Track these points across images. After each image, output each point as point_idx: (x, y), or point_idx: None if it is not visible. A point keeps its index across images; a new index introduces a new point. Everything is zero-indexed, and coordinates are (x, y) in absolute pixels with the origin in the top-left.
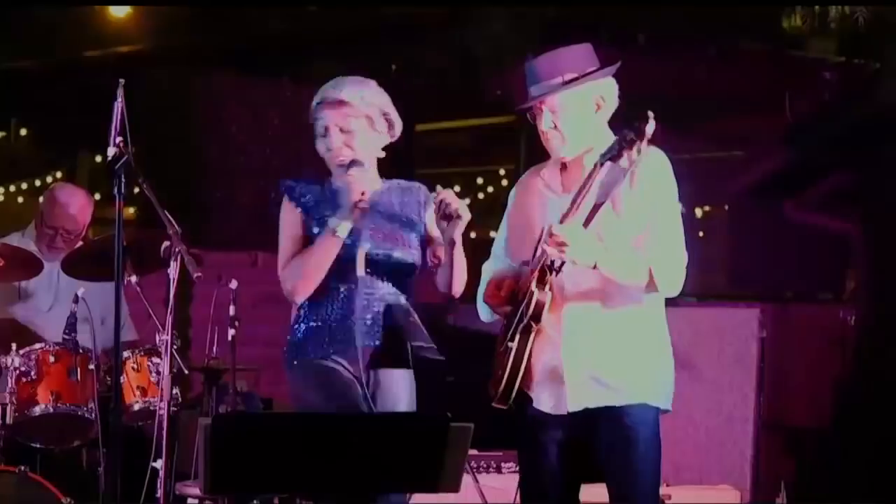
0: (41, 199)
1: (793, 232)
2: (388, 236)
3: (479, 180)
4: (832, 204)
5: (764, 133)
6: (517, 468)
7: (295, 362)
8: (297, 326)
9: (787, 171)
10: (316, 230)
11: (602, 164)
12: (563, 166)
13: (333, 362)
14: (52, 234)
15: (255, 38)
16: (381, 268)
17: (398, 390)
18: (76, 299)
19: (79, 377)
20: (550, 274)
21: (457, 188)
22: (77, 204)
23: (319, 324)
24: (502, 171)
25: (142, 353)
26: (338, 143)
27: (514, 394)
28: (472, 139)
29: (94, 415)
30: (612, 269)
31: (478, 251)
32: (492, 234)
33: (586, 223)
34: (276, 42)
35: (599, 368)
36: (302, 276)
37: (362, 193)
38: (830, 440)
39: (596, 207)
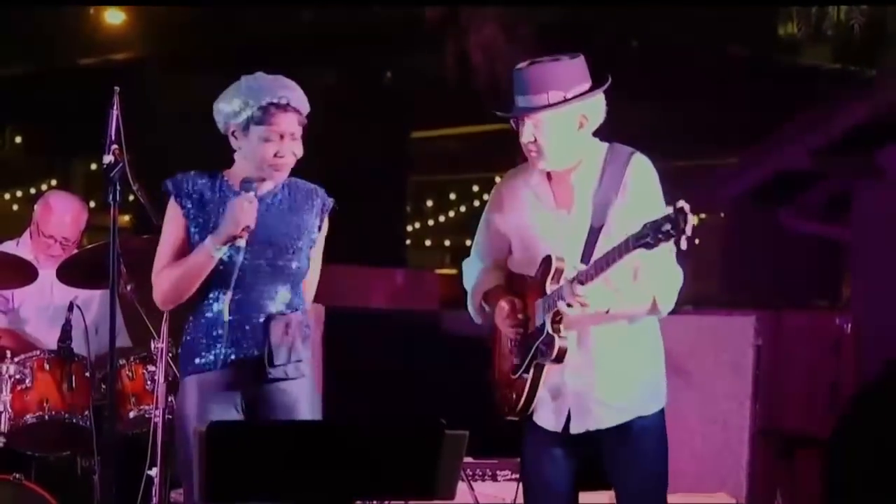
0: (36, 206)
1: (788, 239)
2: (275, 242)
3: (475, 187)
4: (827, 211)
5: (759, 140)
6: (513, 476)
7: (183, 372)
8: (184, 338)
9: (782, 179)
10: (197, 237)
11: (634, 248)
12: (549, 175)
13: (214, 374)
14: (51, 242)
15: (251, 43)
16: (266, 276)
17: (286, 402)
18: (71, 307)
19: (74, 385)
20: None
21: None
22: (73, 211)
23: (201, 335)
24: (498, 179)
25: (137, 361)
26: (288, 151)
27: (527, 414)
28: (468, 146)
29: (88, 423)
30: (623, 310)
31: None
32: None
33: (592, 251)
34: (272, 48)
35: (603, 391)
36: (172, 288)
37: (245, 227)
38: (828, 448)
39: (596, 232)
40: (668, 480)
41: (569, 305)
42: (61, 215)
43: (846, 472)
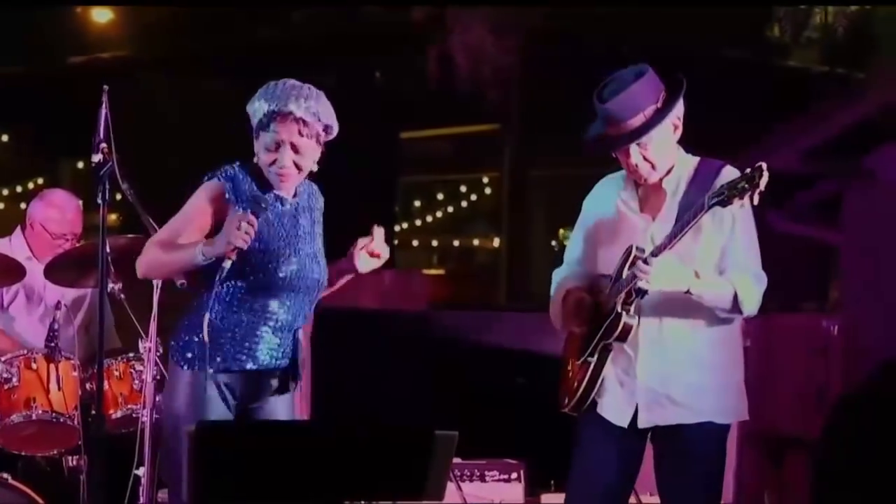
0: (34, 205)
1: (777, 241)
2: (303, 255)
3: (463, 188)
4: (816, 214)
5: (748, 142)
6: (501, 476)
7: (176, 368)
8: (182, 335)
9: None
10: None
11: (709, 208)
12: (635, 183)
13: (210, 377)
14: (62, 241)
15: (242, 45)
16: (292, 288)
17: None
18: (59, 306)
19: (61, 385)
20: (638, 297)
21: (440, 196)
22: (75, 207)
23: (197, 337)
24: (486, 179)
25: (124, 361)
26: (288, 162)
27: (587, 404)
28: (456, 147)
29: (76, 422)
30: (701, 295)
31: (462, 259)
32: (475, 241)
33: (664, 247)
34: (263, 49)
35: (673, 387)
36: (149, 266)
37: (234, 249)
38: (816, 450)
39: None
40: (720, 496)
41: (640, 280)
42: (67, 212)
43: (833, 474)
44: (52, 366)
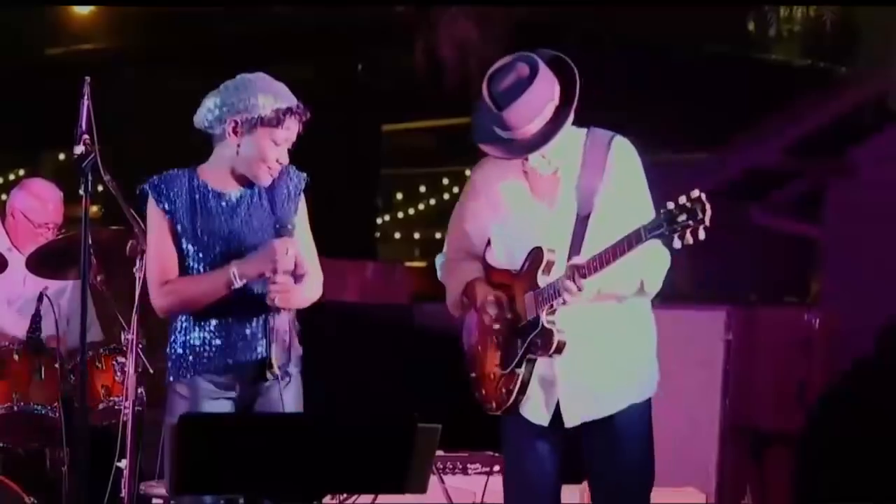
0: (14, 194)
1: (758, 235)
2: (257, 244)
3: (445, 181)
4: (797, 207)
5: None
6: (483, 469)
7: (174, 377)
8: (173, 346)
9: (752, 174)
10: (184, 240)
11: (647, 239)
12: (523, 167)
13: (208, 381)
14: (44, 230)
15: (223, 37)
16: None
17: (276, 402)
18: (41, 297)
19: (43, 376)
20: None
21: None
22: (57, 197)
23: (197, 342)
24: (468, 172)
25: (106, 353)
26: (287, 156)
27: (516, 409)
28: (438, 139)
29: (58, 414)
30: (612, 292)
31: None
32: None
33: (581, 241)
34: (244, 41)
35: (595, 380)
36: (180, 304)
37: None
38: (799, 443)
39: (583, 221)
40: (653, 474)
41: (566, 296)
42: (49, 202)
43: (815, 469)
44: (34, 357)
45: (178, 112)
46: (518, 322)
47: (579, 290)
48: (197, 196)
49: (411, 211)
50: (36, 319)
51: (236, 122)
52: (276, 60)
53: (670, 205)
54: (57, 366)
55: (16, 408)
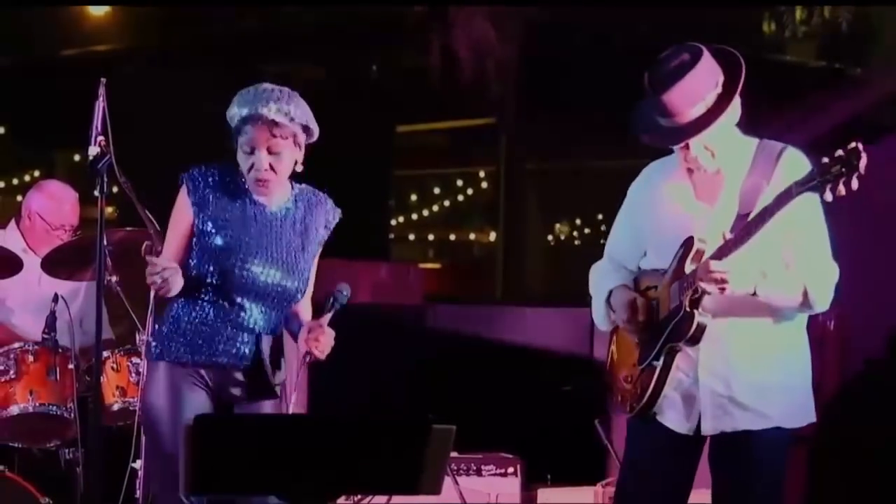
0: (31, 196)
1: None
2: (284, 263)
3: (459, 182)
4: None
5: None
6: (497, 471)
7: (156, 359)
8: (153, 328)
9: None
10: (201, 228)
11: (796, 195)
12: (689, 169)
13: (189, 372)
14: (60, 232)
15: (237, 38)
16: (268, 294)
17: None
18: (56, 298)
19: (58, 377)
20: (702, 296)
21: (436, 190)
22: (73, 198)
23: (188, 331)
24: (482, 173)
25: (121, 354)
26: (264, 165)
27: (652, 409)
28: (452, 140)
29: (72, 414)
30: (769, 295)
31: (458, 253)
32: (471, 235)
33: (738, 243)
34: (258, 42)
35: (737, 390)
36: None
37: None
38: (812, 443)
39: (743, 219)
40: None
41: (705, 283)
42: (65, 203)
43: (828, 469)
44: (49, 358)
45: (192, 112)
46: (659, 316)
47: (711, 272)
48: (240, 196)
49: (425, 212)
50: (51, 320)
51: (231, 133)
52: (290, 61)
53: (825, 159)
54: (72, 366)
55: (31, 408)
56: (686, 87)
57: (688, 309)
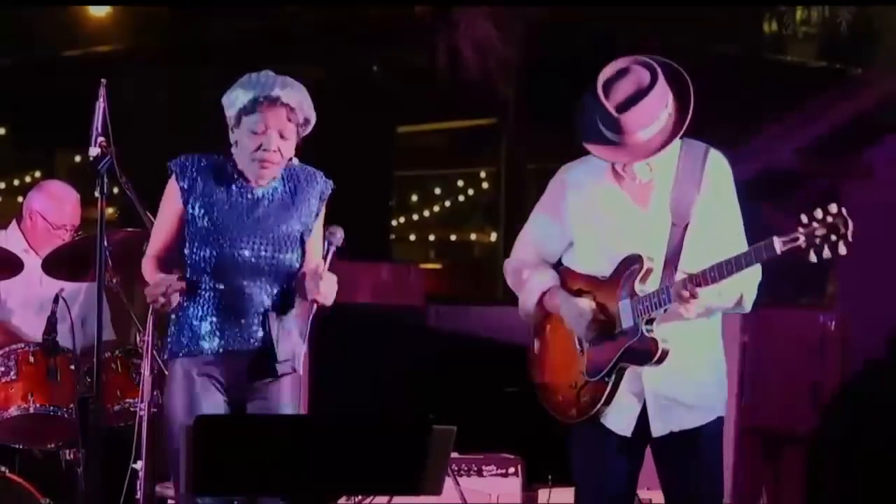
0: (32, 196)
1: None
2: (274, 238)
3: (460, 182)
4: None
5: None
6: (498, 471)
7: (170, 357)
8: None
9: (767, 175)
10: (192, 215)
11: (781, 253)
12: (614, 169)
13: (201, 364)
14: (61, 232)
15: (238, 38)
16: (263, 271)
17: (270, 399)
18: (56, 299)
19: (58, 377)
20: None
21: (437, 190)
22: (74, 198)
23: (194, 322)
24: (483, 174)
25: (122, 354)
26: (275, 146)
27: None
28: (453, 141)
29: (73, 415)
30: (716, 306)
31: (459, 253)
32: (472, 236)
33: (679, 250)
34: (259, 42)
35: (680, 390)
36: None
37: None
38: (813, 445)
39: (681, 230)
40: (723, 490)
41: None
42: (66, 203)
43: (829, 470)
44: (49, 359)
45: (192, 112)
46: (611, 330)
47: (693, 297)
48: (226, 181)
49: (426, 212)
50: (51, 321)
51: (229, 118)
52: (290, 61)
53: (805, 218)
54: (72, 367)
55: (31, 409)
56: (643, 110)
57: (647, 333)
